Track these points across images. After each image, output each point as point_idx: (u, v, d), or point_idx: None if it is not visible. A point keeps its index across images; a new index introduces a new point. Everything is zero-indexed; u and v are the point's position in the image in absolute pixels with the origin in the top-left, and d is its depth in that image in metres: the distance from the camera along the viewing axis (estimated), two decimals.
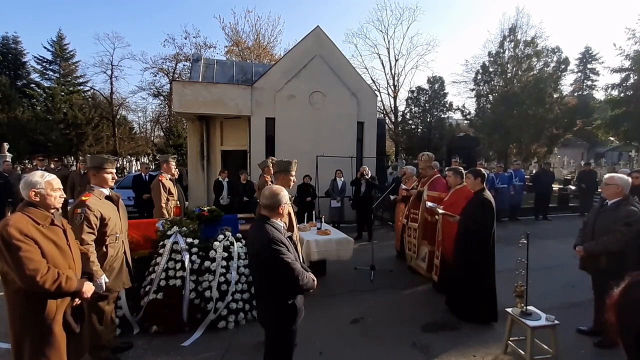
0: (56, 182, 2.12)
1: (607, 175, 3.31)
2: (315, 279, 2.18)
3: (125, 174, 21.15)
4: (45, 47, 25.62)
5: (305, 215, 5.75)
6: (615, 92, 17.36)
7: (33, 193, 2.01)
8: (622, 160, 22.00)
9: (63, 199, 2.17)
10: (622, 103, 16.63)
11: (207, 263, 3.58)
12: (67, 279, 2.00)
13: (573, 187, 11.95)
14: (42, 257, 1.93)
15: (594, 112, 22.21)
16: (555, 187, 12.14)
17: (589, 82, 32.48)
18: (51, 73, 26.04)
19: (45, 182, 2.06)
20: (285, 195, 2.24)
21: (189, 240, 3.63)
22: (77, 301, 2.15)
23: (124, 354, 3.05)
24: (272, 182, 4.58)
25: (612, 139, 20.49)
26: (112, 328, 2.96)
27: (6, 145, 11.64)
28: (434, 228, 4.71)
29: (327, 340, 3.31)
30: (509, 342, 3.06)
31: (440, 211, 4.28)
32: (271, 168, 5.08)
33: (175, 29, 60.08)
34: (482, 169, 3.96)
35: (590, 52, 32.21)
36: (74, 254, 2.16)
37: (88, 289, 2.18)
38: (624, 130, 16.82)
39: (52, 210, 2.10)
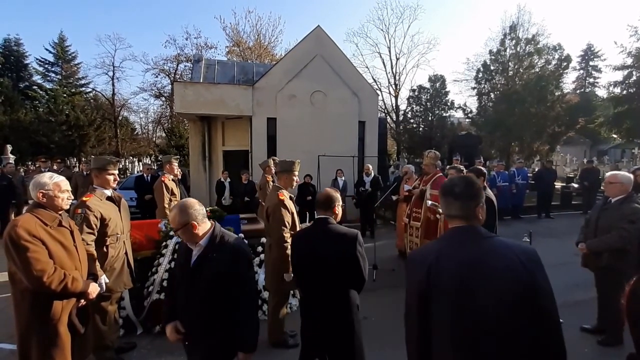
0: (64, 183, 2.14)
1: (609, 174, 3.29)
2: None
3: (128, 174, 21.22)
4: (47, 49, 25.82)
5: (307, 214, 5.76)
6: (617, 90, 17.31)
7: (41, 194, 2.03)
8: (625, 157, 21.90)
9: (71, 201, 2.18)
10: (625, 100, 16.59)
11: None
12: (73, 280, 2.02)
13: (576, 185, 11.91)
14: (49, 258, 1.95)
15: (596, 109, 22.14)
16: (558, 185, 12.11)
17: (591, 80, 32.29)
18: (53, 75, 26.22)
19: (53, 183, 2.07)
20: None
21: None
22: (83, 302, 2.17)
23: (128, 354, 3.07)
24: (273, 181, 4.58)
25: (614, 136, 20.46)
26: (115, 328, 2.98)
27: (9, 147, 11.69)
28: (437, 227, 4.70)
29: None
30: None
31: (441, 210, 4.27)
32: (272, 168, 5.10)
33: (176, 30, 60.14)
34: (482, 168, 3.95)
35: (592, 49, 32.01)
36: (80, 255, 2.18)
37: (93, 290, 2.20)
38: (626, 128, 16.80)
39: (60, 212, 2.12)
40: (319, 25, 9.77)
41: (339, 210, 2.32)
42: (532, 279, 1.16)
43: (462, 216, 1.34)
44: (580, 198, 10.94)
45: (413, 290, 1.38)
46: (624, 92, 16.91)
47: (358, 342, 2.24)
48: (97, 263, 2.53)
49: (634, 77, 16.60)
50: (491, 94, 19.18)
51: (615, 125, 17.62)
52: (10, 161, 10.68)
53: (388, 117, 24.56)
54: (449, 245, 1.35)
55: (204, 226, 1.81)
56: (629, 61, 16.63)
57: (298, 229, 3.22)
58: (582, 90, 30.66)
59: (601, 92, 24.60)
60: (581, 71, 32.64)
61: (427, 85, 22.88)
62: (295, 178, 3.18)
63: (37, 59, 25.81)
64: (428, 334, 1.32)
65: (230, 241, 1.83)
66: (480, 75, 19.44)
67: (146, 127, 33.92)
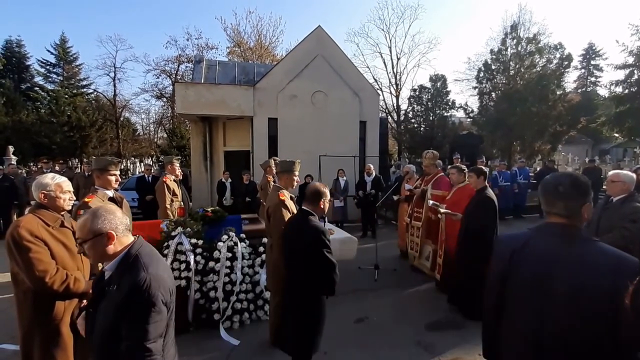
0: (66, 184, 2.15)
1: (612, 172, 3.29)
2: None
3: (129, 175, 21.25)
4: (48, 51, 25.94)
5: None
6: (619, 89, 17.27)
7: (43, 195, 2.04)
8: (627, 156, 21.83)
9: (72, 202, 2.19)
10: (627, 99, 16.55)
11: (211, 263, 3.59)
12: (76, 280, 2.02)
13: None
14: (52, 259, 1.96)
15: (598, 108, 22.08)
16: None
17: (593, 79, 32.25)
18: (55, 76, 26.33)
19: (55, 184, 2.08)
20: None
21: (193, 240, 3.64)
22: (85, 302, 2.17)
23: None
24: (274, 182, 4.59)
25: (616, 135, 20.39)
26: None
27: (11, 148, 11.76)
28: (438, 227, 4.70)
29: (332, 340, 3.30)
30: None
31: (443, 210, 4.27)
32: (273, 168, 5.10)
33: (177, 31, 60.24)
34: (483, 167, 3.95)
35: (593, 48, 31.96)
36: (82, 256, 2.18)
37: None
38: (628, 127, 16.76)
39: (62, 212, 2.13)
40: (319, 26, 9.79)
41: (324, 205, 2.46)
42: (618, 293, 1.06)
43: (565, 215, 1.28)
44: None
45: (494, 269, 1.45)
46: (626, 91, 16.87)
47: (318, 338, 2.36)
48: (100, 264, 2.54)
49: (636, 76, 16.56)
50: (492, 93, 19.17)
51: (617, 125, 17.57)
52: (13, 162, 10.73)
53: (389, 117, 24.55)
54: (539, 237, 1.34)
55: (124, 241, 1.39)
56: (631, 60, 16.60)
57: None
58: (584, 89, 30.62)
59: (603, 91, 24.57)
60: (583, 70, 32.60)
61: (428, 84, 22.88)
62: (295, 178, 3.18)
63: (38, 60, 25.98)
64: (501, 307, 1.40)
65: (138, 272, 1.30)
66: (482, 74, 19.44)
67: (148, 128, 34.04)
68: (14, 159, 11.32)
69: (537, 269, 1.25)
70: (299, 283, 2.30)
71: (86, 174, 7.55)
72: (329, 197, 2.48)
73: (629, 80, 16.81)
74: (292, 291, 2.36)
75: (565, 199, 1.27)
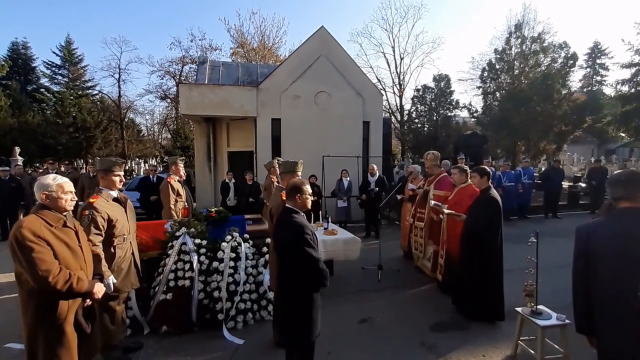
0: (68, 185, 2.16)
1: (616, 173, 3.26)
2: None
3: (134, 176, 21.37)
4: (54, 52, 26.24)
5: (312, 215, 5.76)
6: (625, 88, 17.08)
7: (44, 195, 2.06)
8: (634, 156, 21.60)
9: (75, 202, 2.20)
10: (633, 99, 16.36)
11: (215, 264, 3.60)
12: (79, 279, 2.03)
13: (583, 185, 11.77)
14: (55, 258, 1.96)
15: (604, 108, 21.86)
16: (565, 184, 11.97)
17: (598, 78, 31.92)
18: (60, 77, 26.60)
19: (57, 184, 2.10)
20: None
21: (197, 241, 3.66)
22: (88, 302, 2.19)
23: (135, 354, 3.09)
24: (278, 182, 4.59)
25: (622, 135, 20.17)
26: (123, 328, 3.01)
27: (17, 149, 11.87)
28: (440, 227, 4.67)
29: (335, 340, 3.30)
30: (519, 341, 3.03)
31: (447, 211, 4.24)
32: (277, 168, 5.10)
33: (181, 32, 60.50)
34: (486, 167, 3.92)
35: (599, 47, 31.64)
36: (85, 255, 2.20)
37: (99, 289, 2.21)
38: (634, 126, 16.56)
39: (65, 213, 2.14)
40: (322, 26, 9.78)
41: (302, 200, 2.40)
42: None
43: (628, 198, 1.69)
44: (588, 198, 10.82)
45: (576, 252, 1.86)
46: (632, 90, 16.67)
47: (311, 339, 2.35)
48: (105, 264, 2.56)
49: None
50: (497, 93, 19.00)
51: (623, 124, 17.35)
52: (19, 163, 10.84)
53: (392, 117, 24.49)
54: (610, 219, 1.76)
55: None
56: (637, 59, 16.41)
57: None
58: (589, 88, 30.30)
59: (608, 91, 24.26)
60: (588, 69, 32.28)
61: (432, 84, 22.76)
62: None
63: (44, 62, 26.27)
64: (588, 282, 1.79)
65: None
66: (486, 74, 19.29)
67: (152, 129, 34.28)
68: (20, 160, 11.43)
69: (612, 243, 1.65)
70: (287, 278, 2.33)
71: (91, 174, 7.59)
72: (308, 192, 2.43)
73: (635, 79, 16.63)
74: (283, 286, 2.40)
75: (625, 185, 1.72)
